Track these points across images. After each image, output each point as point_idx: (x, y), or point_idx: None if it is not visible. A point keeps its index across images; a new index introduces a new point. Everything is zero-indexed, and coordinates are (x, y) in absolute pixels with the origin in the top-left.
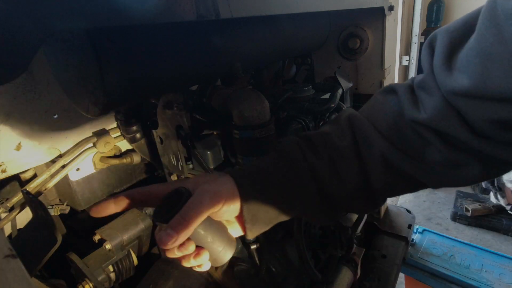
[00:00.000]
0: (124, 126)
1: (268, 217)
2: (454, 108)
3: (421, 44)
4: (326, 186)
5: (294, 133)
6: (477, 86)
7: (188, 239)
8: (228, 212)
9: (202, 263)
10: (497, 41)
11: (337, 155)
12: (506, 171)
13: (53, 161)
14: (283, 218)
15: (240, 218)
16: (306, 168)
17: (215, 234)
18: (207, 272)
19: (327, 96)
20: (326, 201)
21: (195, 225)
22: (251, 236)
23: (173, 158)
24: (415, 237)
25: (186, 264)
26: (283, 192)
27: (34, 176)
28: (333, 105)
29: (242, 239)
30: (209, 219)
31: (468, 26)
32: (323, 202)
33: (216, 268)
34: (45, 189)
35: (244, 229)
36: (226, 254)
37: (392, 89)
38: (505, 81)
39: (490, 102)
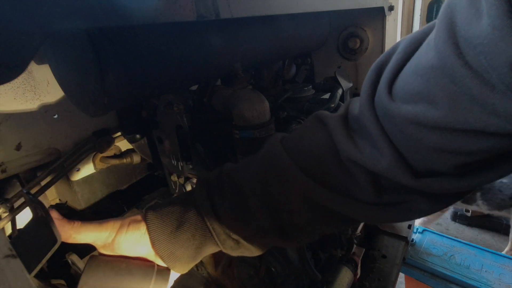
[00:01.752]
0: (124, 127)
1: (188, 255)
2: (396, 150)
3: None
4: (228, 231)
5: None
6: (425, 114)
7: None
8: (133, 242)
9: None
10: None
11: (241, 192)
12: (459, 199)
13: (53, 161)
14: (205, 254)
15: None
16: (211, 212)
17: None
18: (207, 272)
19: (327, 96)
20: (235, 241)
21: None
22: (182, 271)
23: (173, 158)
24: (415, 237)
25: None
26: (192, 234)
27: (34, 176)
28: (333, 105)
29: None
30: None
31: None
32: (231, 242)
33: (216, 268)
34: (45, 189)
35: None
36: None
37: (321, 119)
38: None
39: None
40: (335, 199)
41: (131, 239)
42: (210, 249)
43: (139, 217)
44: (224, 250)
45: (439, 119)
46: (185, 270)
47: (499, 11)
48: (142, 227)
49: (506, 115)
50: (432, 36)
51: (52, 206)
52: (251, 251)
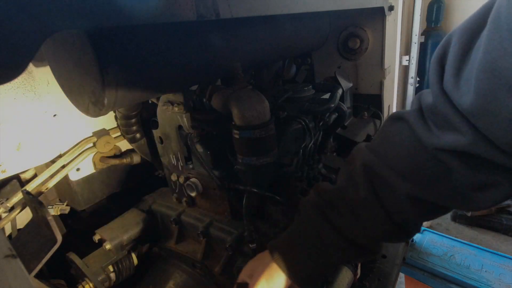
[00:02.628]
0: (124, 126)
1: (317, 275)
2: (475, 127)
3: (421, 44)
4: (357, 239)
5: (294, 133)
6: (483, 105)
7: None
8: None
9: None
10: (500, 55)
11: (359, 208)
12: None
13: (53, 161)
14: (330, 270)
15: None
16: (332, 231)
17: None
18: (208, 272)
19: (327, 96)
20: (363, 249)
21: None
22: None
23: (173, 158)
24: (415, 237)
25: None
26: (321, 257)
27: (34, 176)
28: (333, 105)
29: (243, 239)
30: None
31: (479, 27)
32: (359, 251)
33: (216, 268)
34: (45, 189)
35: None
36: None
37: (400, 117)
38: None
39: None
40: (437, 193)
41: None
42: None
43: (268, 257)
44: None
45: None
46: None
47: None
48: (273, 264)
49: None
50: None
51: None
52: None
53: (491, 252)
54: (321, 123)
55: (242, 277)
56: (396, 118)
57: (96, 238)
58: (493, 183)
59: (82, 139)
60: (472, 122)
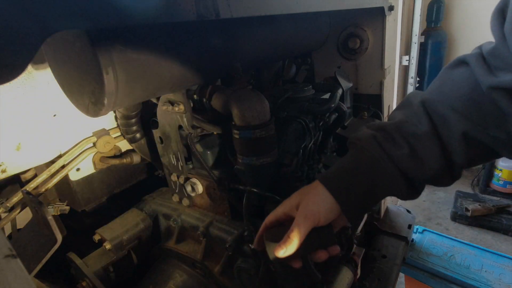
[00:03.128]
0: (124, 126)
1: (363, 206)
2: None
3: (421, 44)
4: (410, 172)
5: (294, 133)
6: None
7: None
8: (331, 215)
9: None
10: None
11: (417, 142)
12: None
13: (53, 161)
14: (375, 202)
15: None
16: (387, 160)
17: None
18: (207, 272)
19: (327, 96)
20: (411, 184)
21: (298, 241)
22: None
23: (173, 158)
24: (415, 237)
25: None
26: (370, 186)
27: (34, 176)
28: (333, 105)
29: (243, 239)
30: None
31: None
32: (408, 186)
33: (216, 268)
34: (45, 189)
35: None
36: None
37: (461, 61)
38: None
39: None
40: (492, 136)
41: (315, 202)
42: (386, 193)
43: (315, 182)
44: (399, 194)
45: None
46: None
47: None
48: (319, 185)
49: None
50: None
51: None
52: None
53: (491, 252)
54: (321, 123)
55: (283, 210)
56: (457, 62)
57: (96, 238)
58: None
59: (82, 139)
60: None
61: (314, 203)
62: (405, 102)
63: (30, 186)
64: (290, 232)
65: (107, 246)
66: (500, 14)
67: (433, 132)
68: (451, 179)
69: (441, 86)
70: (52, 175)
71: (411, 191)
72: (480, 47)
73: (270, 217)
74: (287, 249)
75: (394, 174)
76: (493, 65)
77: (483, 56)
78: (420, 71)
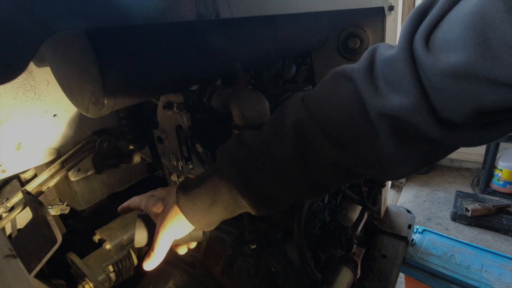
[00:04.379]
0: (125, 126)
1: (222, 219)
2: (428, 97)
3: None
4: (270, 198)
5: None
6: (472, 63)
7: None
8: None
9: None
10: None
11: (281, 166)
12: (440, 158)
13: (53, 161)
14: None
15: None
16: (246, 193)
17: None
18: (207, 272)
19: None
20: (270, 208)
21: (163, 255)
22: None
23: (173, 158)
24: (415, 237)
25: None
26: (227, 214)
27: (34, 176)
28: None
29: (243, 239)
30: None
31: None
32: (268, 210)
33: (216, 268)
34: (45, 189)
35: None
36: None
37: (345, 75)
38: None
39: (487, 84)
40: (362, 163)
41: (175, 227)
42: (241, 211)
43: (173, 203)
44: (255, 212)
45: (468, 65)
46: (213, 227)
47: None
48: (179, 212)
49: None
50: None
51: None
52: (278, 209)
53: (491, 252)
54: None
55: (149, 204)
56: (341, 75)
57: (96, 238)
58: (406, 159)
59: (82, 139)
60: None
61: (171, 227)
62: (282, 109)
63: (30, 186)
64: (154, 244)
65: (107, 246)
66: (416, 19)
67: (300, 158)
68: (321, 196)
69: (321, 99)
70: (52, 175)
71: (267, 211)
72: (374, 49)
73: (134, 203)
74: (152, 262)
75: (254, 205)
76: (384, 78)
77: (372, 71)
78: None
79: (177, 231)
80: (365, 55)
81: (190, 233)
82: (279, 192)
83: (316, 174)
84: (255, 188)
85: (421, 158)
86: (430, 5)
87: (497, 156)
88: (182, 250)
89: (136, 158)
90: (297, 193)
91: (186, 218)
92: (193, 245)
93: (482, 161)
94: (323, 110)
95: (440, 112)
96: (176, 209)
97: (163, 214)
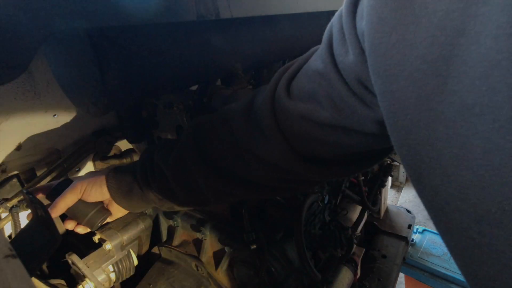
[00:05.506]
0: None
1: (141, 206)
2: (287, 142)
3: None
4: (167, 198)
5: None
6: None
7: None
8: (98, 196)
9: (82, 231)
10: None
11: (169, 184)
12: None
13: (53, 161)
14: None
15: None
16: (148, 188)
17: (82, 211)
18: (207, 272)
19: None
20: (169, 206)
21: (61, 209)
22: (138, 211)
23: None
24: (415, 237)
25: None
26: (140, 197)
27: (34, 176)
28: None
29: (243, 239)
30: (79, 201)
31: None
32: (166, 204)
33: (216, 268)
34: None
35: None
36: (94, 220)
37: (226, 118)
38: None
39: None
40: (236, 189)
41: (95, 195)
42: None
43: (102, 178)
44: (162, 209)
45: (323, 117)
46: (140, 210)
47: (355, 51)
48: (104, 188)
49: (363, 116)
50: (320, 47)
51: None
52: (180, 210)
53: None
54: None
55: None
56: (223, 117)
57: (96, 238)
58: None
59: (82, 139)
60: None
61: (90, 183)
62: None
63: (30, 186)
64: (58, 198)
65: (107, 246)
66: (284, 70)
67: (181, 184)
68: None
69: (207, 131)
70: (52, 175)
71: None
72: (255, 94)
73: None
74: (52, 212)
75: (158, 204)
76: (254, 122)
77: (249, 110)
78: None
79: (91, 192)
80: (251, 95)
81: (92, 211)
82: (169, 198)
83: (202, 194)
84: (156, 193)
85: (286, 187)
86: (295, 62)
87: None
88: (80, 229)
89: (136, 158)
90: (188, 203)
91: (109, 192)
92: (84, 229)
93: None
94: (205, 138)
95: (297, 149)
96: (102, 178)
97: (91, 176)
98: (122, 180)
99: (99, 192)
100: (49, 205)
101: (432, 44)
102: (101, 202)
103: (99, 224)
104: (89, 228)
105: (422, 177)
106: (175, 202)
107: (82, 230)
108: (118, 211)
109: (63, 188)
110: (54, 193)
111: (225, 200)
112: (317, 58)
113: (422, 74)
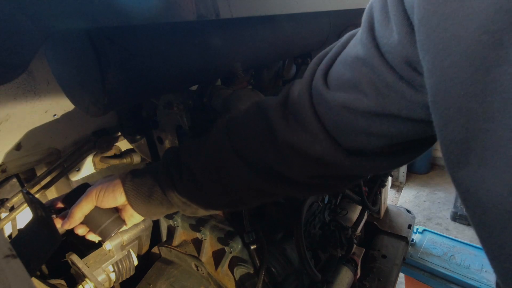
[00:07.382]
0: (124, 127)
1: (160, 212)
2: (328, 134)
3: None
4: (195, 203)
5: None
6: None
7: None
8: (111, 202)
9: (93, 238)
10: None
11: (203, 183)
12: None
13: (53, 161)
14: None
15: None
16: (172, 191)
17: (97, 220)
18: (207, 272)
19: None
20: (193, 210)
21: (78, 218)
22: (156, 218)
23: None
24: (415, 237)
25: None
26: (164, 209)
27: (34, 176)
28: None
29: (243, 239)
30: (95, 209)
31: None
32: (189, 209)
33: (216, 268)
34: (45, 189)
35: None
36: (107, 231)
37: (262, 109)
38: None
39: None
40: (273, 186)
41: (107, 200)
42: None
43: (116, 183)
44: (185, 213)
45: (367, 106)
46: (159, 217)
47: (402, 29)
48: (117, 193)
49: (412, 101)
50: (360, 30)
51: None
52: (204, 214)
53: None
54: None
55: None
56: (260, 108)
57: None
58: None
59: (82, 139)
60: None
61: (105, 188)
62: (214, 126)
63: (30, 186)
64: (73, 207)
65: (107, 246)
66: (318, 61)
67: (220, 178)
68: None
69: (241, 127)
70: (52, 175)
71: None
72: (290, 87)
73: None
74: (70, 223)
75: (181, 208)
76: (292, 114)
77: (286, 103)
78: None
79: (104, 198)
80: (285, 88)
81: (106, 221)
82: (198, 202)
83: (229, 187)
84: (180, 192)
85: (326, 184)
86: (329, 50)
87: None
88: (91, 237)
89: (136, 158)
90: (217, 205)
91: (126, 196)
92: (96, 238)
93: None
94: (240, 132)
95: (340, 142)
96: (115, 182)
97: (105, 180)
98: (142, 184)
99: (111, 198)
100: (63, 210)
101: (497, 11)
102: (117, 211)
103: (112, 235)
104: (101, 238)
105: (474, 151)
106: (202, 205)
107: (93, 238)
108: (131, 218)
109: (80, 193)
110: (71, 197)
111: (258, 201)
112: (356, 43)
113: (482, 46)
